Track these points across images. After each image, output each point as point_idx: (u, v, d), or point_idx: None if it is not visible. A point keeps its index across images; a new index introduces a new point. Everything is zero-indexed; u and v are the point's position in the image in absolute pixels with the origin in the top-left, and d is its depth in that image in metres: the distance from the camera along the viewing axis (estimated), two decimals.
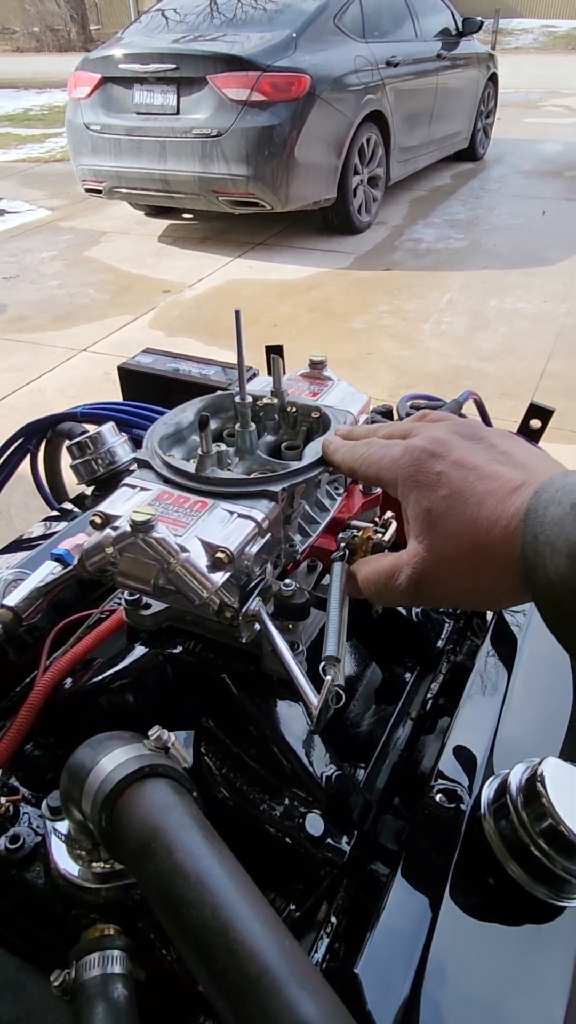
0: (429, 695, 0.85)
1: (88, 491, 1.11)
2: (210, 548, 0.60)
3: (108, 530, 0.63)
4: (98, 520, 0.64)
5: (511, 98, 11.70)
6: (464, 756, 0.69)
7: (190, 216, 6.80)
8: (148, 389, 1.34)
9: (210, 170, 5.36)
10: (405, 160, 6.70)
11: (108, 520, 0.64)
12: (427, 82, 6.68)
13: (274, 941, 0.42)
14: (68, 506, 1.23)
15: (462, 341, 4.44)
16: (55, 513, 1.24)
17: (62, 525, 1.14)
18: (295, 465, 0.67)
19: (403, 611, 0.88)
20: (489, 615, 0.96)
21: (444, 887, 0.56)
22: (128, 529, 0.60)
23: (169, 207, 6.49)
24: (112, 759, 0.53)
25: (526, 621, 0.87)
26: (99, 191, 6.03)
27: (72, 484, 1.35)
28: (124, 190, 5.92)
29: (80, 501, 1.23)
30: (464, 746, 0.71)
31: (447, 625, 0.92)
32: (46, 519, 1.21)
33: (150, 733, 0.56)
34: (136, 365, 1.36)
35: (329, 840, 0.65)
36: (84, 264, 5.90)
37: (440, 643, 0.90)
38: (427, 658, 0.89)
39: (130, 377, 1.35)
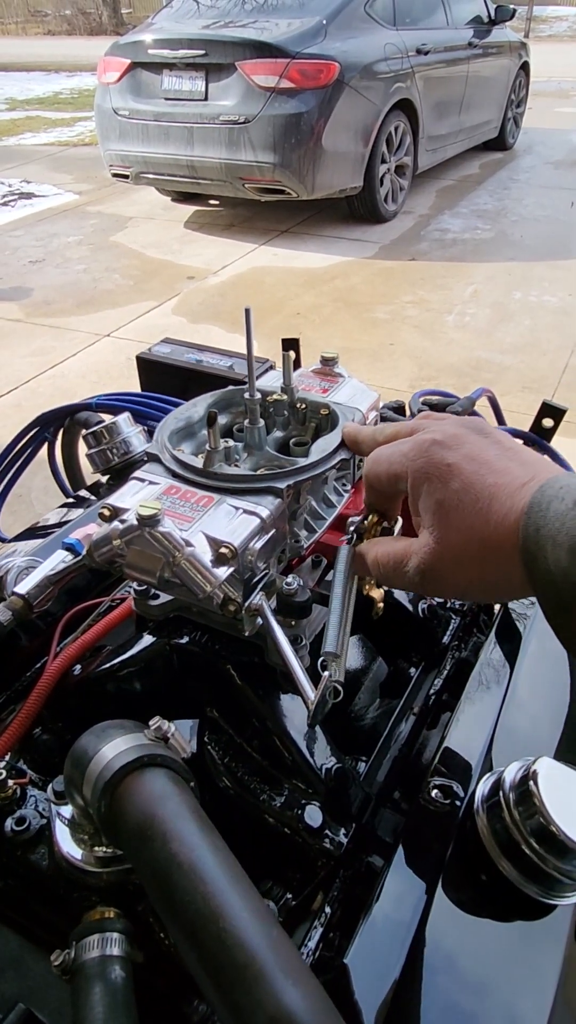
0: (432, 690, 0.85)
1: (103, 479, 1.12)
2: (214, 543, 0.61)
3: (116, 523, 0.64)
4: (106, 513, 0.65)
5: (543, 87, 11.51)
6: (461, 752, 0.70)
7: (216, 203, 6.79)
8: (165, 379, 1.35)
9: (237, 157, 5.34)
10: (433, 149, 6.63)
11: (116, 513, 0.65)
12: (457, 70, 6.59)
13: (262, 931, 0.43)
14: (84, 493, 1.25)
15: (485, 333, 4.40)
16: (71, 500, 1.26)
17: (77, 512, 1.16)
18: (302, 462, 0.67)
19: (409, 607, 0.89)
20: (496, 609, 0.97)
21: (437, 882, 0.57)
22: (135, 523, 0.61)
23: (195, 193, 6.49)
24: (113, 747, 0.54)
25: (531, 619, 0.87)
26: (126, 176, 6.04)
27: (89, 471, 1.38)
28: (151, 176, 5.92)
29: (96, 489, 1.25)
30: (462, 742, 0.71)
31: (453, 621, 0.92)
32: (62, 506, 1.23)
33: (150, 723, 0.57)
34: (154, 355, 1.37)
35: (327, 831, 0.66)
36: (110, 249, 5.92)
37: (445, 639, 0.90)
38: (432, 654, 0.90)
39: (148, 367, 1.36)
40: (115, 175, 6.16)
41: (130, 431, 1.07)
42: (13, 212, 6.94)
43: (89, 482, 1.33)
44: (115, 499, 0.66)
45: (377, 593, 0.73)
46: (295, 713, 0.72)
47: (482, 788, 0.61)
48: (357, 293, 4.99)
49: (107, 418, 1.10)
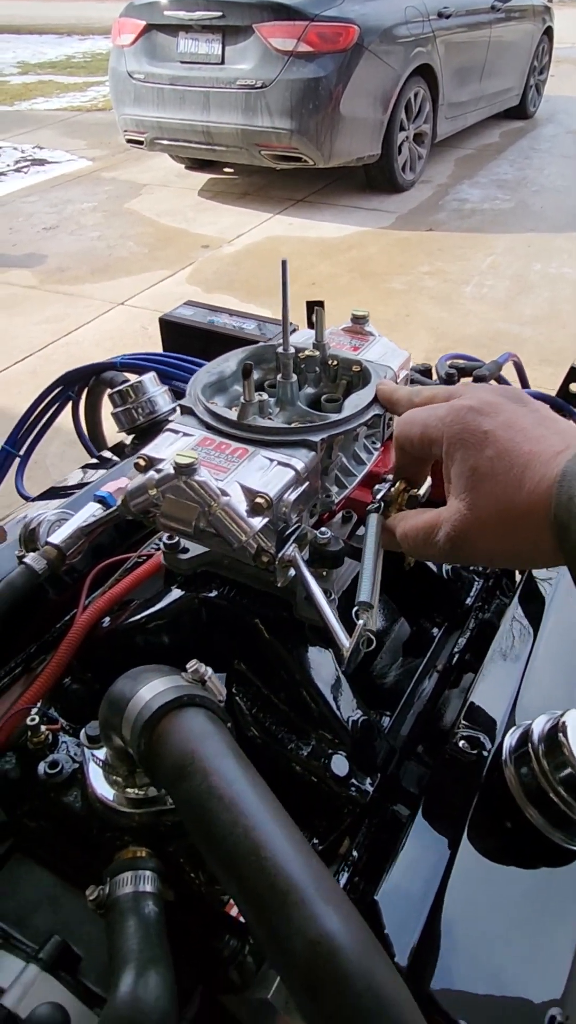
0: (456, 650, 0.86)
1: (128, 439, 1.13)
2: (250, 493, 0.62)
3: (152, 472, 0.64)
4: (142, 463, 0.66)
5: (567, 53, 11.21)
6: (487, 708, 0.71)
7: (231, 171, 6.69)
8: (188, 341, 1.34)
9: (253, 123, 5.25)
10: (453, 116, 6.49)
11: (152, 463, 0.66)
12: (479, 35, 6.43)
13: (302, 861, 0.44)
14: (107, 454, 1.25)
15: (503, 305, 4.35)
16: (93, 461, 1.27)
17: (99, 473, 1.17)
18: (335, 416, 0.68)
19: (434, 568, 0.90)
20: (518, 575, 0.97)
21: (463, 828, 0.59)
22: (172, 471, 0.61)
23: (210, 161, 6.40)
24: (151, 689, 0.55)
25: (555, 581, 0.88)
26: (140, 142, 5.96)
27: (112, 432, 1.38)
28: (166, 141, 5.84)
29: (118, 449, 1.25)
30: (487, 698, 0.72)
31: (476, 583, 0.93)
32: (83, 467, 1.24)
33: (188, 666, 0.58)
34: (177, 317, 1.36)
35: (353, 780, 0.68)
36: (124, 216, 5.86)
37: (469, 600, 0.91)
38: (455, 614, 0.90)
39: (171, 329, 1.36)
40: (129, 141, 6.08)
41: (156, 390, 1.07)
42: (26, 178, 6.87)
43: (111, 444, 1.33)
44: (150, 450, 0.67)
45: None
46: (323, 666, 0.73)
47: (509, 740, 0.62)
48: (373, 263, 4.94)
49: (132, 377, 1.10)
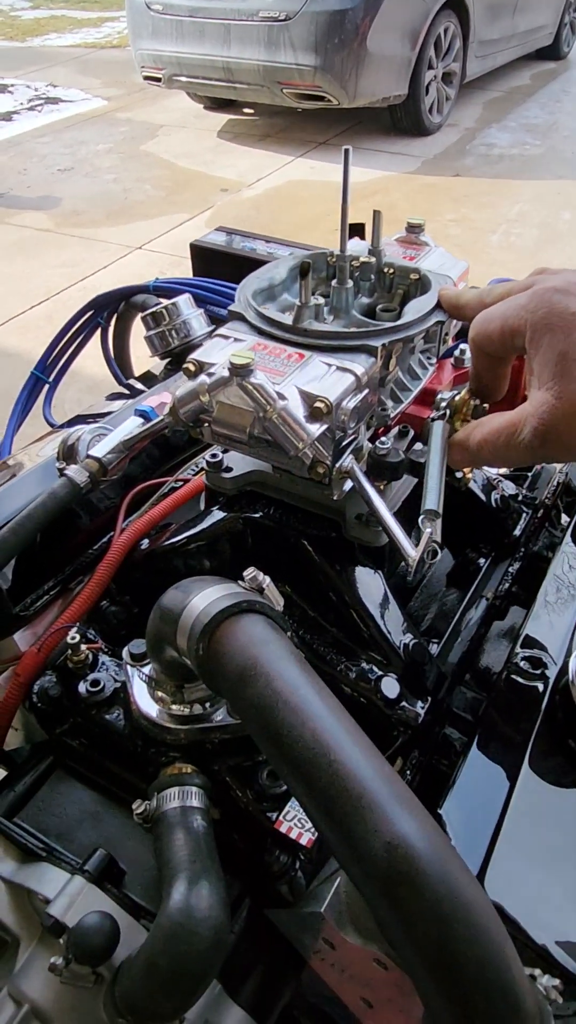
0: (505, 580, 0.83)
1: (162, 364, 1.09)
2: (309, 398, 0.58)
3: (203, 377, 0.61)
4: (192, 368, 0.63)
5: None
6: (545, 635, 0.69)
7: (250, 111, 6.48)
8: (219, 268, 1.29)
9: (276, 59, 5.05)
10: (484, 56, 6.23)
11: (202, 367, 0.62)
12: None
13: (374, 764, 0.42)
14: (135, 383, 1.22)
15: (530, 254, 4.22)
16: (120, 391, 1.23)
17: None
18: (396, 322, 0.64)
19: (482, 497, 0.86)
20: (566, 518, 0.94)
21: (525, 747, 0.57)
22: (226, 374, 0.58)
23: (229, 100, 6.19)
24: (206, 597, 0.53)
25: None
26: (158, 79, 5.76)
27: (140, 360, 1.34)
28: (184, 79, 5.64)
29: (146, 378, 1.22)
30: (544, 626, 0.70)
31: (525, 515, 0.90)
32: (110, 396, 1.20)
33: (245, 574, 0.56)
34: (208, 243, 1.31)
35: (404, 703, 0.66)
36: (140, 158, 5.71)
37: (517, 532, 0.88)
38: (503, 546, 0.87)
39: (202, 255, 1.31)
40: (147, 78, 5.87)
41: (191, 312, 1.03)
42: (40, 117, 6.68)
43: (139, 373, 1.29)
44: (200, 355, 0.63)
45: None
46: (373, 587, 0.70)
47: (575, 662, 0.59)
48: (397, 210, 4.79)
49: (165, 302, 1.06)
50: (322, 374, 0.60)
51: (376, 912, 0.40)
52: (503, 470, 1.03)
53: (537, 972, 0.42)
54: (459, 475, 0.73)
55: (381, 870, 0.39)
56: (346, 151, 0.61)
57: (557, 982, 0.42)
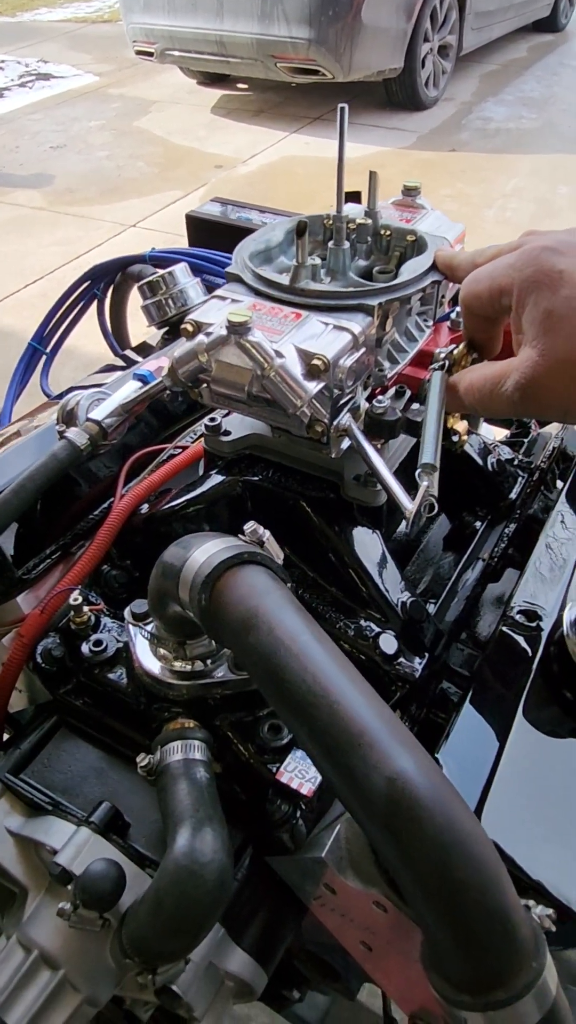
0: (501, 542, 0.84)
1: (158, 337, 1.09)
2: (306, 356, 0.59)
3: (201, 336, 0.62)
4: (190, 328, 0.63)
5: None
6: (540, 590, 0.70)
7: (244, 86, 6.39)
8: (215, 239, 1.29)
9: (269, 32, 4.97)
10: (480, 27, 6.13)
11: (200, 327, 0.63)
12: None
13: (374, 706, 0.44)
14: (131, 354, 1.22)
15: (526, 230, 4.19)
16: (115, 362, 1.23)
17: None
18: (392, 282, 0.64)
19: (478, 460, 0.87)
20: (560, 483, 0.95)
21: (521, 696, 0.58)
22: (224, 333, 0.59)
23: (223, 76, 6.11)
24: (206, 550, 0.54)
25: None
26: (150, 54, 5.67)
27: (137, 331, 1.34)
28: (177, 53, 5.55)
29: (142, 349, 1.22)
30: (539, 581, 0.71)
31: (521, 478, 0.91)
32: (105, 367, 1.20)
33: (246, 528, 0.57)
34: (204, 213, 1.30)
35: (402, 658, 0.67)
36: (133, 135, 5.64)
37: (513, 495, 0.89)
38: (499, 508, 0.88)
39: (197, 225, 1.31)
40: (138, 52, 5.78)
41: (188, 281, 1.03)
42: (31, 94, 6.59)
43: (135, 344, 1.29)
44: (198, 315, 0.64)
45: (461, 426, 0.72)
46: (371, 547, 0.71)
47: (569, 614, 0.60)
48: (393, 185, 4.71)
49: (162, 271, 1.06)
50: (319, 333, 0.61)
51: (378, 845, 0.41)
52: (500, 435, 1.04)
53: (531, 903, 0.43)
54: (455, 438, 0.73)
55: (382, 804, 0.40)
56: (341, 109, 0.61)
57: (551, 911, 0.43)
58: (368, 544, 0.71)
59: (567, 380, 0.49)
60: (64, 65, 7.31)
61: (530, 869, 0.47)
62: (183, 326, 0.63)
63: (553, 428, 1.01)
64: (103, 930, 0.60)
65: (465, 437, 0.71)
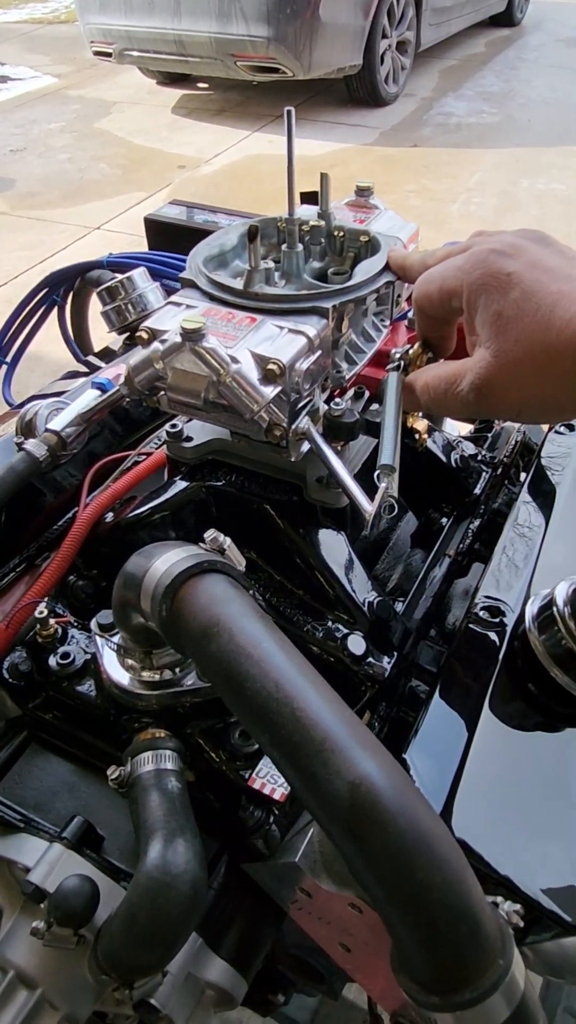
0: (466, 538, 0.85)
1: (121, 338, 1.08)
2: (261, 360, 0.59)
3: (156, 344, 0.61)
4: (145, 335, 0.63)
5: None
6: (504, 584, 0.70)
7: (205, 85, 6.37)
8: (174, 241, 1.28)
9: (228, 30, 4.95)
10: (437, 23, 6.16)
11: (155, 335, 0.62)
12: None
13: (336, 710, 0.44)
14: (93, 360, 1.21)
15: (491, 223, 4.22)
16: (78, 369, 1.22)
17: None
18: (346, 284, 0.64)
19: (442, 457, 0.88)
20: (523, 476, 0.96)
21: (486, 691, 0.58)
22: (178, 340, 0.58)
23: (183, 75, 6.07)
24: (167, 560, 0.53)
25: (564, 469, 0.86)
26: (108, 54, 5.61)
27: (98, 338, 1.33)
28: (135, 53, 5.51)
29: (105, 355, 1.21)
30: (503, 576, 0.71)
31: (485, 473, 0.91)
32: (68, 374, 1.19)
33: (206, 536, 0.57)
34: (163, 216, 1.30)
35: (370, 659, 0.67)
36: (94, 136, 5.58)
37: (477, 490, 0.89)
38: (464, 504, 0.89)
39: (157, 229, 1.30)
40: (96, 53, 5.72)
41: (147, 286, 1.02)
42: None
43: (97, 350, 1.28)
44: (153, 322, 0.63)
45: (421, 424, 0.72)
46: (336, 549, 0.72)
47: (531, 608, 0.61)
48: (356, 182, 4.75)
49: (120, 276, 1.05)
50: (274, 336, 0.61)
51: (343, 851, 0.41)
52: (464, 430, 1.05)
53: (499, 899, 0.44)
54: (415, 436, 0.74)
55: (345, 809, 0.40)
56: (288, 112, 0.61)
57: (518, 907, 0.44)
58: (333, 545, 0.71)
59: (520, 381, 0.50)
60: (21, 67, 7.22)
61: (498, 865, 0.48)
62: (138, 333, 0.63)
63: (516, 423, 1.02)
64: (79, 947, 0.59)
65: (425, 436, 0.71)
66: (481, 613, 0.64)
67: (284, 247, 0.69)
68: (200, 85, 6.37)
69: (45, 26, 8.65)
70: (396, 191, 4.60)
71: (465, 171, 4.83)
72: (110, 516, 0.82)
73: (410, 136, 5.38)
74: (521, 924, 0.43)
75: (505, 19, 7.49)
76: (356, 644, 0.68)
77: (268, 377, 0.58)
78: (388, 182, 4.72)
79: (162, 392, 0.64)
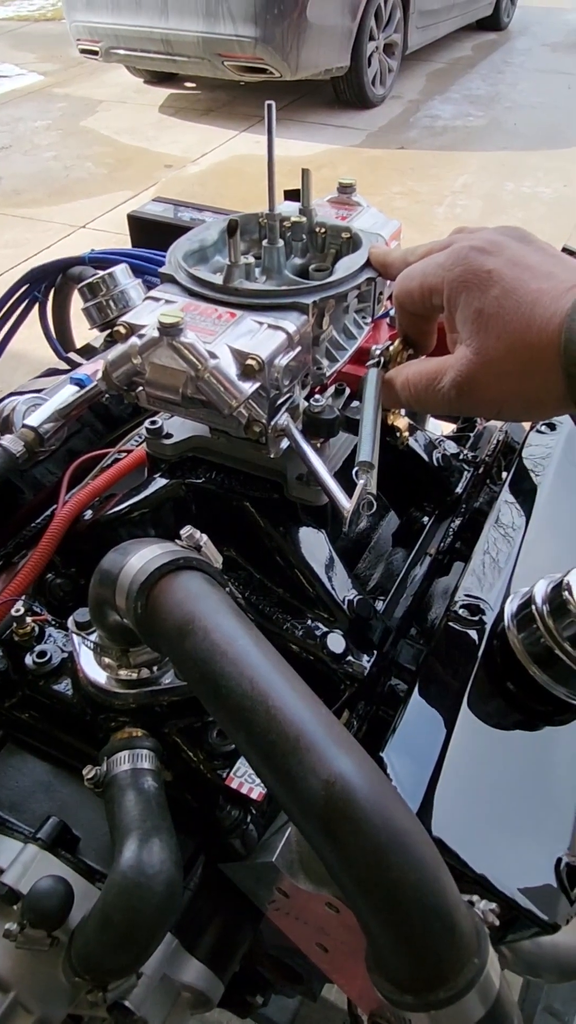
0: (447, 537, 0.85)
1: (102, 335, 1.07)
2: (240, 355, 0.58)
3: (134, 339, 0.61)
4: (123, 330, 0.62)
5: None
6: (483, 582, 0.70)
7: (192, 85, 6.35)
8: (158, 238, 1.27)
9: (215, 30, 4.94)
10: (425, 26, 6.18)
11: (133, 329, 0.62)
12: None
13: (311, 708, 0.43)
14: (74, 356, 1.20)
15: (476, 226, 4.24)
16: (61, 366, 1.21)
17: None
18: (327, 280, 0.64)
19: (424, 456, 0.88)
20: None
21: (465, 689, 0.58)
22: (156, 334, 0.58)
23: (170, 74, 6.05)
24: (142, 556, 0.53)
25: (546, 468, 0.86)
26: (95, 52, 5.59)
27: (80, 335, 1.32)
28: (122, 52, 5.48)
29: (87, 352, 1.20)
30: (483, 574, 0.71)
31: (467, 472, 0.91)
32: (48, 371, 1.18)
33: (182, 532, 0.56)
34: (146, 213, 1.29)
35: (350, 657, 0.67)
36: (80, 135, 5.56)
37: (459, 489, 0.89)
38: (445, 503, 0.89)
39: (140, 226, 1.29)
40: (83, 51, 5.69)
41: (128, 282, 1.01)
42: None
43: (80, 347, 1.27)
44: (131, 317, 0.63)
45: (402, 422, 0.72)
46: (316, 547, 0.71)
47: (510, 606, 0.61)
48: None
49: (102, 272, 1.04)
50: (253, 332, 0.60)
51: (318, 849, 0.41)
52: (447, 429, 1.05)
53: (475, 898, 0.44)
54: (397, 435, 0.74)
55: (319, 807, 0.40)
56: (269, 105, 0.61)
57: (494, 906, 0.43)
58: (313, 543, 0.71)
59: (501, 378, 0.50)
60: (6, 64, 7.17)
61: (474, 863, 0.47)
62: (116, 328, 0.62)
63: (498, 422, 1.02)
64: (53, 948, 0.58)
65: (407, 434, 0.71)
66: (461, 611, 0.63)
67: (265, 243, 0.69)
68: (187, 85, 6.36)
69: (31, 23, 8.60)
70: (382, 193, 4.61)
71: (451, 173, 4.85)
72: (89, 514, 0.81)
73: (397, 138, 5.40)
74: (497, 923, 0.42)
75: (492, 23, 7.53)
76: (336, 642, 0.67)
77: (247, 373, 0.58)
78: (375, 184, 4.73)
79: (140, 388, 0.63)
